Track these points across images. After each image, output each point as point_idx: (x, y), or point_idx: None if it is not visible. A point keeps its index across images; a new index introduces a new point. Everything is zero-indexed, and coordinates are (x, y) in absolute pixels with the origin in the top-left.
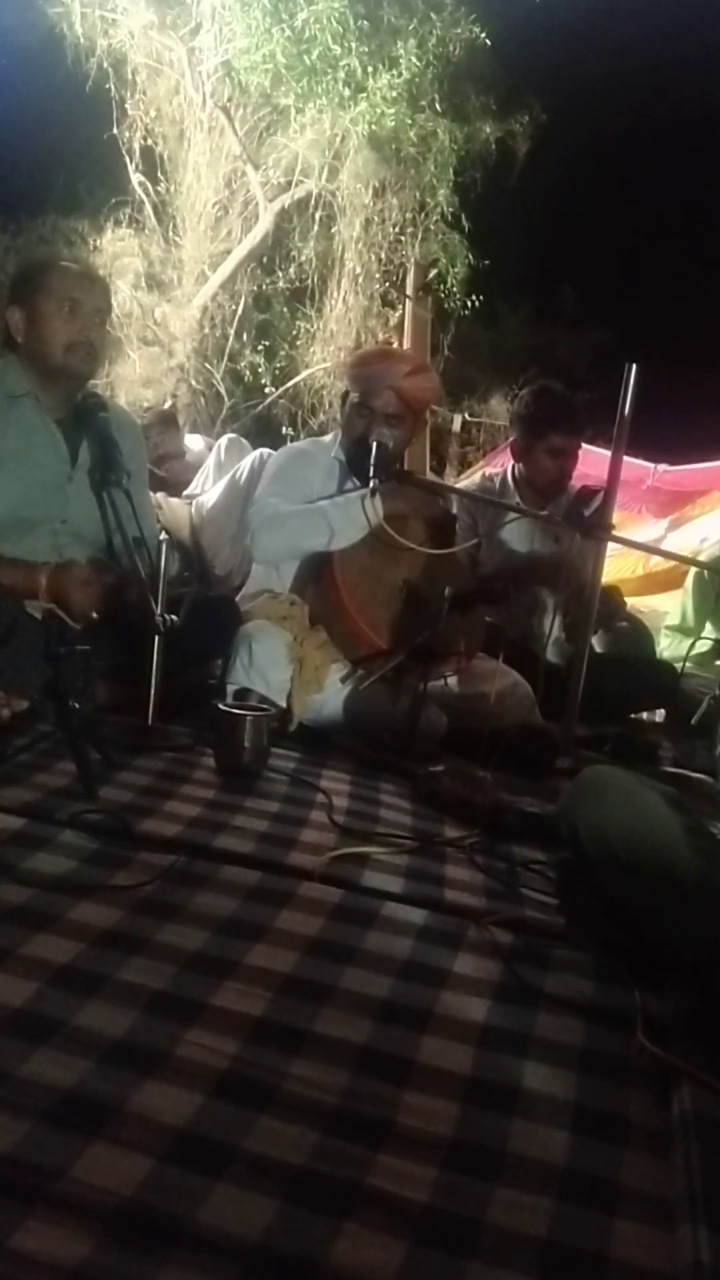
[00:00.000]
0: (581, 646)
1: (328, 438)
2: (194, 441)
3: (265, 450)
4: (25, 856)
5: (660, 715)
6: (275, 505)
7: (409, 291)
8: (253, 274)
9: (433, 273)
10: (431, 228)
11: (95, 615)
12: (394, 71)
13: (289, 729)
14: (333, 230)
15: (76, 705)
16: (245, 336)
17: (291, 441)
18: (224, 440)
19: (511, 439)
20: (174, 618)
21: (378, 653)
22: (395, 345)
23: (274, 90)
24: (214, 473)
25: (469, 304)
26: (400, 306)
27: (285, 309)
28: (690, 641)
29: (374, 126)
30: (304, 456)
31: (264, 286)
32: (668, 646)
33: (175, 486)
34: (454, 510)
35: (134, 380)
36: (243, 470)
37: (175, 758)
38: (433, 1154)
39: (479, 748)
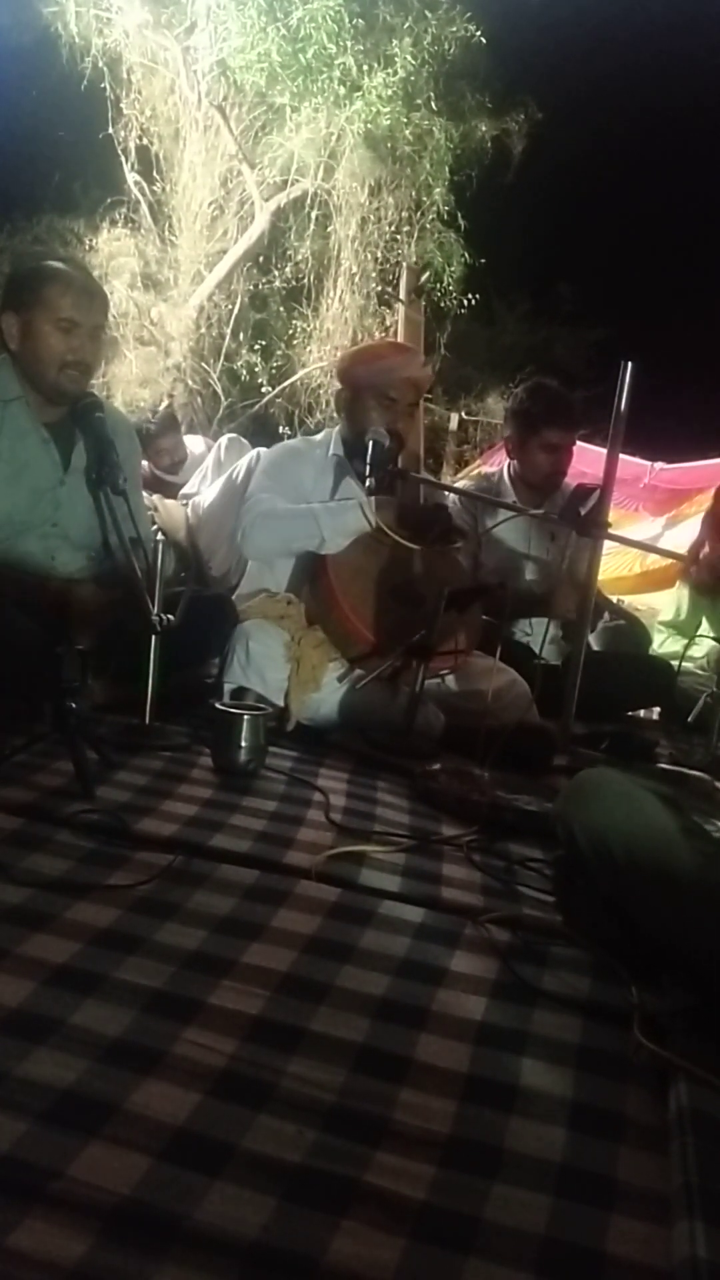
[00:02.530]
0: (578, 644)
1: (320, 436)
2: (194, 443)
3: (262, 449)
4: (23, 856)
5: (656, 713)
6: (268, 502)
7: (402, 295)
8: (249, 273)
9: (425, 275)
10: (427, 226)
11: (94, 633)
12: (389, 70)
13: (286, 728)
14: (329, 229)
15: (74, 705)
16: (242, 336)
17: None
18: (224, 440)
19: (506, 435)
20: (170, 617)
21: (374, 651)
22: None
23: (269, 89)
24: (213, 472)
25: (465, 302)
26: (395, 306)
27: (281, 308)
28: (687, 639)
29: (369, 125)
30: (296, 454)
31: (260, 286)
32: (663, 643)
33: (172, 487)
34: (448, 506)
35: (130, 380)
36: (239, 470)
37: (173, 757)
38: (430, 1151)
39: (476, 746)
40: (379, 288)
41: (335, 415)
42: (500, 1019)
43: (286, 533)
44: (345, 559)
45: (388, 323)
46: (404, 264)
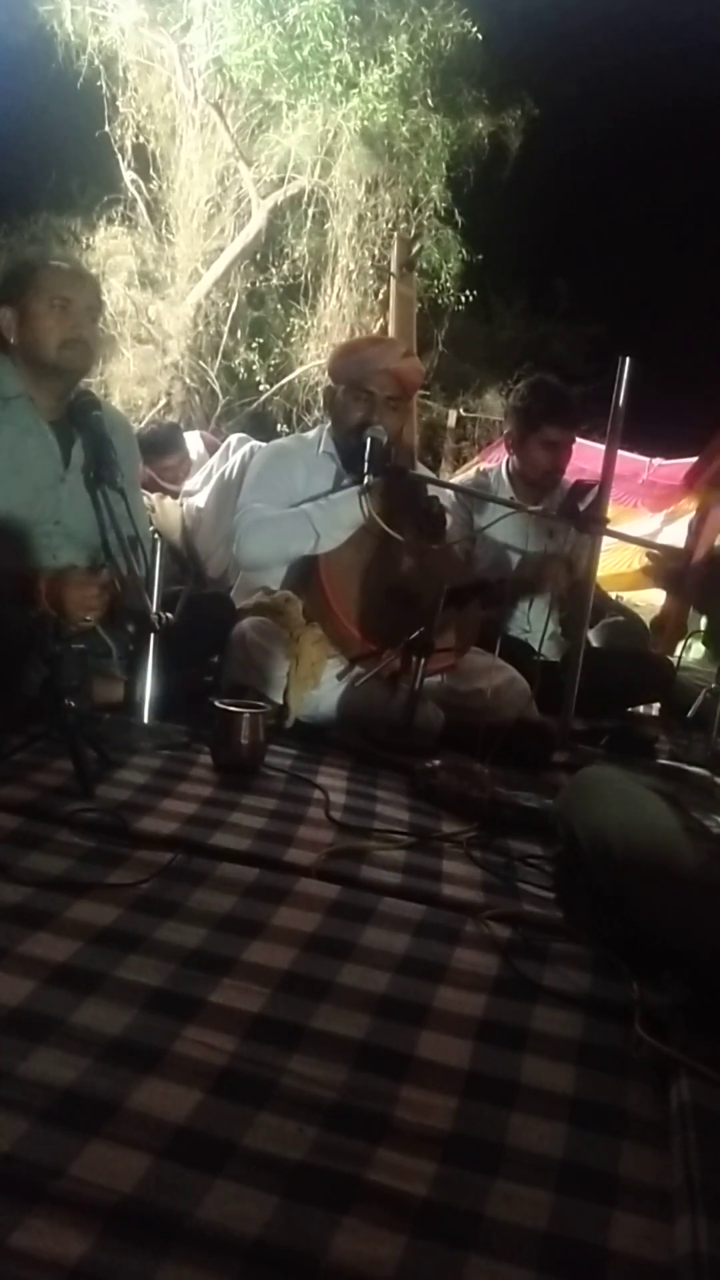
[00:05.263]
0: (577, 641)
1: (311, 434)
2: (192, 440)
3: (256, 443)
4: (22, 855)
5: (656, 708)
6: (259, 510)
7: (392, 268)
8: (246, 271)
9: (416, 247)
10: (424, 223)
11: (90, 618)
12: (386, 67)
13: (286, 725)
14: (326, 226)
15: (73, 704)
16: (239, 334)
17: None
18: (233, 439)
19: (506, 431)
20: (169, 615)
21: (371, 652)
22: (380, 324)
23: (266, 87)
24: (217, 471)
25: (463, 299)
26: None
27: (279, 306)
28: (686, 635)
29: (366, 122)
30: (285, 454)
31: (257, 283)
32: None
33: (173, 489)
34: (444, 503)
35: (128, 378)
36: (233, 468)
37: (172, 755)
38: (432, 1148)
39: (476, 742)
40: (376, 285)
41: (323, 413)
42: (501, 1015)
43: (281, 537)
44: (338, 560)
45: (379, 297)
46: (395, 235)
